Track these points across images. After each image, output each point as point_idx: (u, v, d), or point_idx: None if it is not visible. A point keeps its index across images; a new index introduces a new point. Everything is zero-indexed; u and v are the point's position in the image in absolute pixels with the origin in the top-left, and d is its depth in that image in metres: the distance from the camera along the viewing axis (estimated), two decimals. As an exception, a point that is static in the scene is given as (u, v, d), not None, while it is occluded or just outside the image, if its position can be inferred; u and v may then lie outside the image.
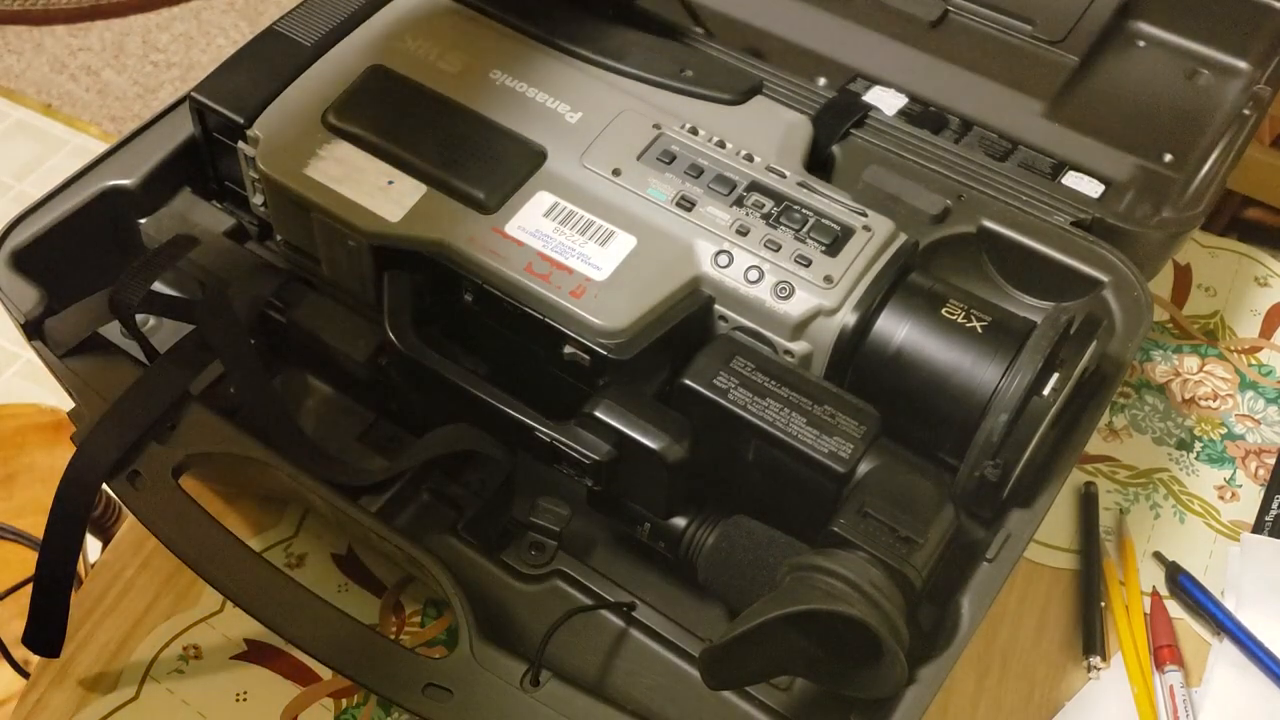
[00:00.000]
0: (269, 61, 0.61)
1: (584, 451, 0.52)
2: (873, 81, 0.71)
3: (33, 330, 0.57)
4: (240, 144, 0.60)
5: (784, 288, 0.55)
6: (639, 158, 0.59)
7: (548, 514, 0.57)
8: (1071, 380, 0.51)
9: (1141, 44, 0.76)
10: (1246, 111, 0.68)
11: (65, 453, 1.02)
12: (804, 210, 0.57)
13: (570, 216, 0.57)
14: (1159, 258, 0.65)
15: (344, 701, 0.61)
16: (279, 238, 0.63)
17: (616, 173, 0.58)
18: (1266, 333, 0.79)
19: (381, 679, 0.50)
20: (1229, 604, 0.66)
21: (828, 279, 0.55)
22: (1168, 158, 0.68)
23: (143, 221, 0.62)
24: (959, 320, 0.54)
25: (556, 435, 0.52)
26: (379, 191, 0.58)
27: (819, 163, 0.63)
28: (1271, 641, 0.64)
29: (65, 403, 0.59)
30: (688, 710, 0.55)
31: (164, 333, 0.63)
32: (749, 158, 0.59)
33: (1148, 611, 0.66)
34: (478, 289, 0.56)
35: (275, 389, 0.62)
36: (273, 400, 0.61)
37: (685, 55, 0.65)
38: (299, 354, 0.64)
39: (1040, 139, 0.68)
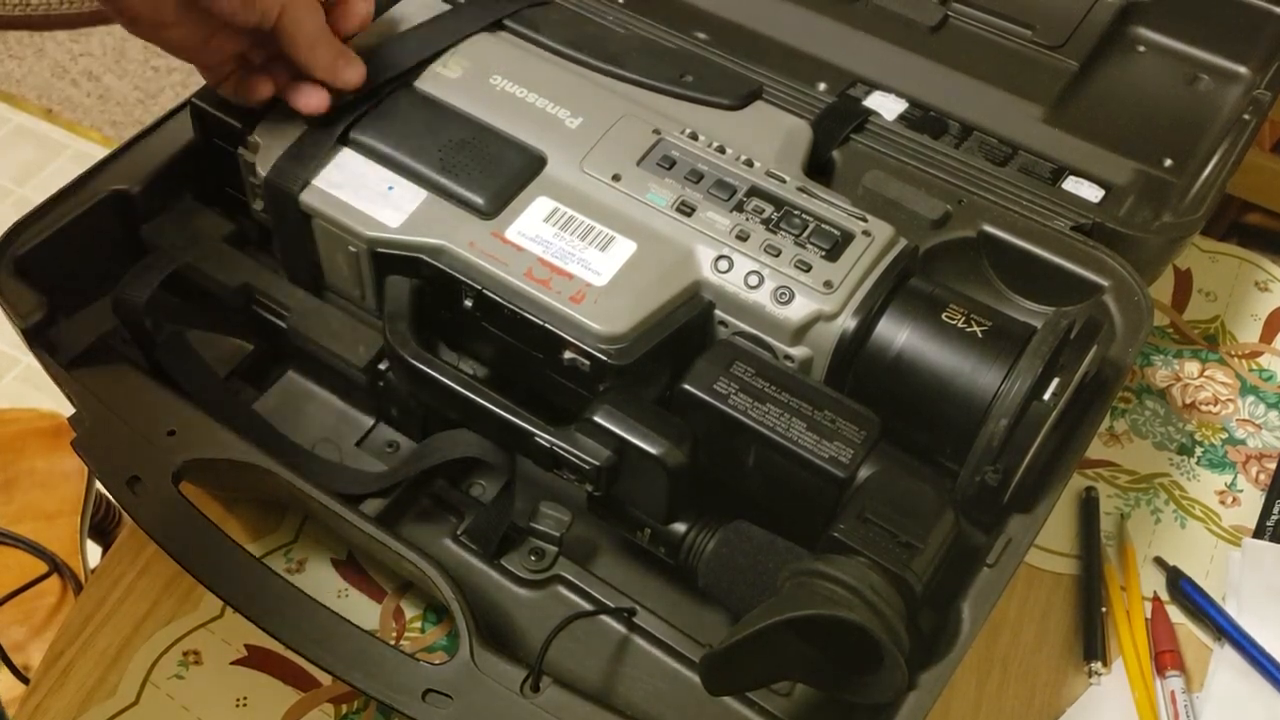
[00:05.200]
0: (269, 67, 0.61)
1: (584, 457, 0.52)
2: (873, 86, 0.71)
3: (34, 336, 0.57)
4: (240, 150, 0.60)
5: (784, 293, 0.55)
6: (639, 163, 0.59)
7: (548, 519, 0.56)
8: (1072, 385, 0.51)
9: (1141, 49, 0.76)
10: (1246, 116, 0.68)
11: (65, 458, 1.02)
12: (804, 215, 0.57)
13: (570, 222, 0.57)
14: (1159, 262, 0.65)
15: (344, 707, 0.61)
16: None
17: (616, 178, 0.58)
18: (1267, 338, 0.79)
19: (381, 684, 0.50)
20: (1230, 609, 0.66)
21: (828, 284, 0.54)
22: (1168, 163, 0.68)
23: (144, 227, 0.62)
24: (959, 325, 0.54)
25: (557, 441, 0.52)
26: (379, 197, 0.58)
27: (819, 168, 0.63)
28: (1273, 646, 0.64)
29: (65, 408, 0.59)
30: (688, 716, 0.55)
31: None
32: (749, 163, 0.59)
33: (1149, 617, 0.66)
34: (477, 294, 0.56)
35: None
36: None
37: (685, 60, 0.65)
38: (299, 359, 0.64)
39: (1040, 144, 0.68)
